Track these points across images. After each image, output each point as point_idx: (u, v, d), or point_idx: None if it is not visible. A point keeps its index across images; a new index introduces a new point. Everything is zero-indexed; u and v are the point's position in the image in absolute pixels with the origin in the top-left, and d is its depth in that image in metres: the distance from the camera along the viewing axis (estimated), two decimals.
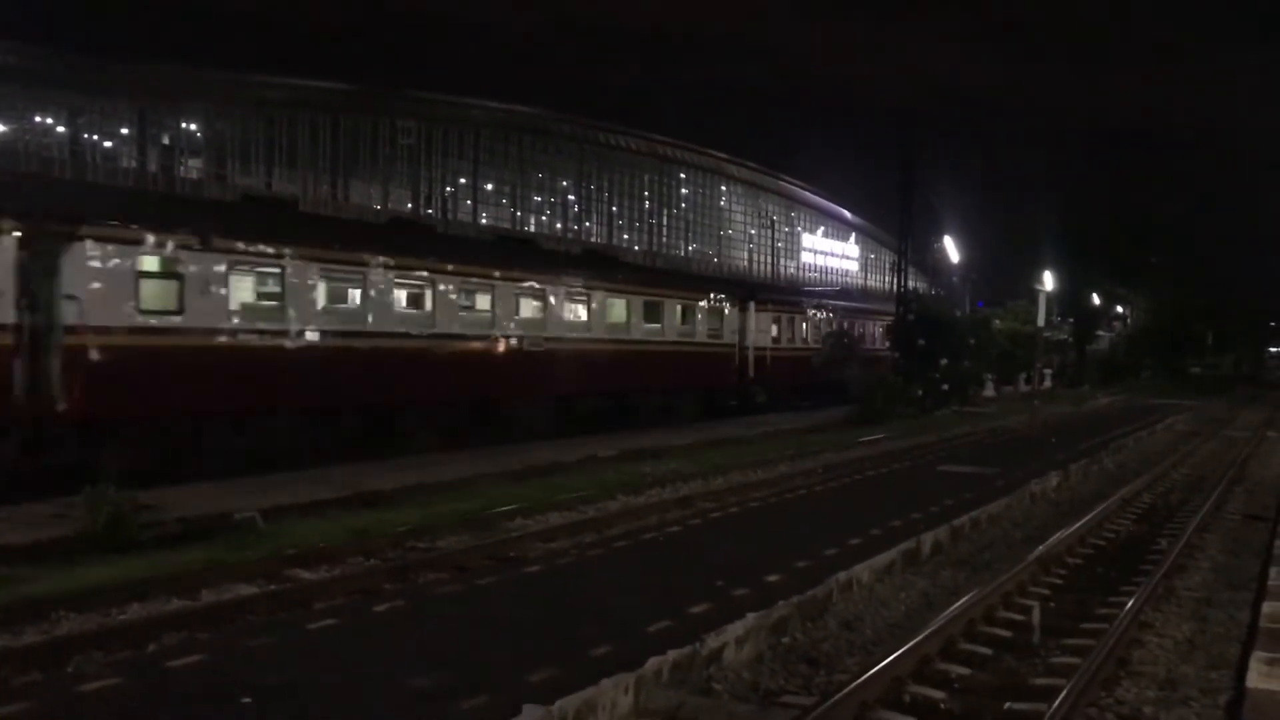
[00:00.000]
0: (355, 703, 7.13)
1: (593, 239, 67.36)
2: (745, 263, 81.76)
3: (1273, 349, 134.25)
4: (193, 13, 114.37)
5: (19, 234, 14.21)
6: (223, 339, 16.93)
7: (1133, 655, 8.79)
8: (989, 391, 46.09)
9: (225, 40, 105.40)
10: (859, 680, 7.34)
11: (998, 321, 51.95)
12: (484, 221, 62.41)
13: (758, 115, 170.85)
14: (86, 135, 48.84)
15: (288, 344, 18.02)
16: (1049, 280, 39.48)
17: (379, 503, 15.07)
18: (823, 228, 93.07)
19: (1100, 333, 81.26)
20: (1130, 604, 9.83)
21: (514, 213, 65.70)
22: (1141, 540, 14.07)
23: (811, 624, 9.27)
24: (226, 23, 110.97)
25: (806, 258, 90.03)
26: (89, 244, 15.03)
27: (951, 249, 46.44)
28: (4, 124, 45.83)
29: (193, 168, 51.89)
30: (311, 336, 18.43)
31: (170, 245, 16.22)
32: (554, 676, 7.46)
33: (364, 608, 9.57)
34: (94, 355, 15.03)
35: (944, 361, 38.94)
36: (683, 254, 74.72)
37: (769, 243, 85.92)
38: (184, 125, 52.41)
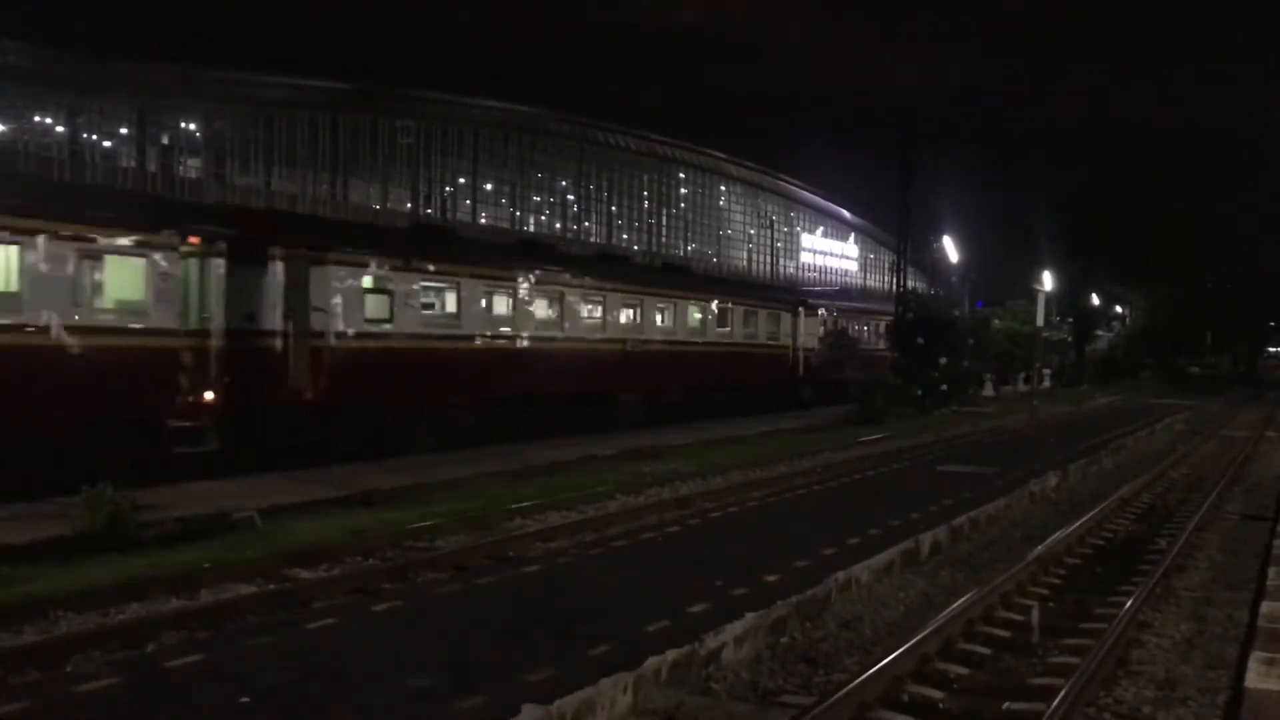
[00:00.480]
0: (354, 702, 7.13)
1: (592, 239, 67.36)
2: (744, 263, 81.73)
3: (1271, 349, 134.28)
4: (192, 12, 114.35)
5: (283, 260, 17.95)
6: (419, 342, 20.55)
7: (1131, 655, 8.79)
8: (988, 391, 46.11)
9: (224, 40, 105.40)
10: (858, 680, 7.33)
11: (997, 321, 51.97)
12: (483, 221, 62.39)
13: (757, 115, 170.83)
14: (85, 135, 48.81)
15: (462, 346, 21.79)
16: (1048, 280, 39.51)
17: (377, 502, 15.07)
18: (822, 227, 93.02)
19: (1099, 332, 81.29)
20: (1129, 604, 9.83)
21: (513, 212, 65.68)
22: (1140, 540, 14.08)
23: (810, 624, 9.27)
24: (225, 22, 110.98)
25: (806, 258, 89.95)
26: (331, 267, 18.70)
27: (951, 249, 46.46)
28: (3, 123, 45.83)
29: (191, 167, 51.88)
30: (479, 340, 22.40)
31: (385, 267, 19.89)
32: (553, 676, 7.46)
33: (363, 607, 9.57)
34: (333, 355, 18.68)
35: (943, 361, 38.97)
36: (682, 254, 74.66)
37: (768, 243, 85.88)
38: (183, 125, 52.38)
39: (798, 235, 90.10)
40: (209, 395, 16.23)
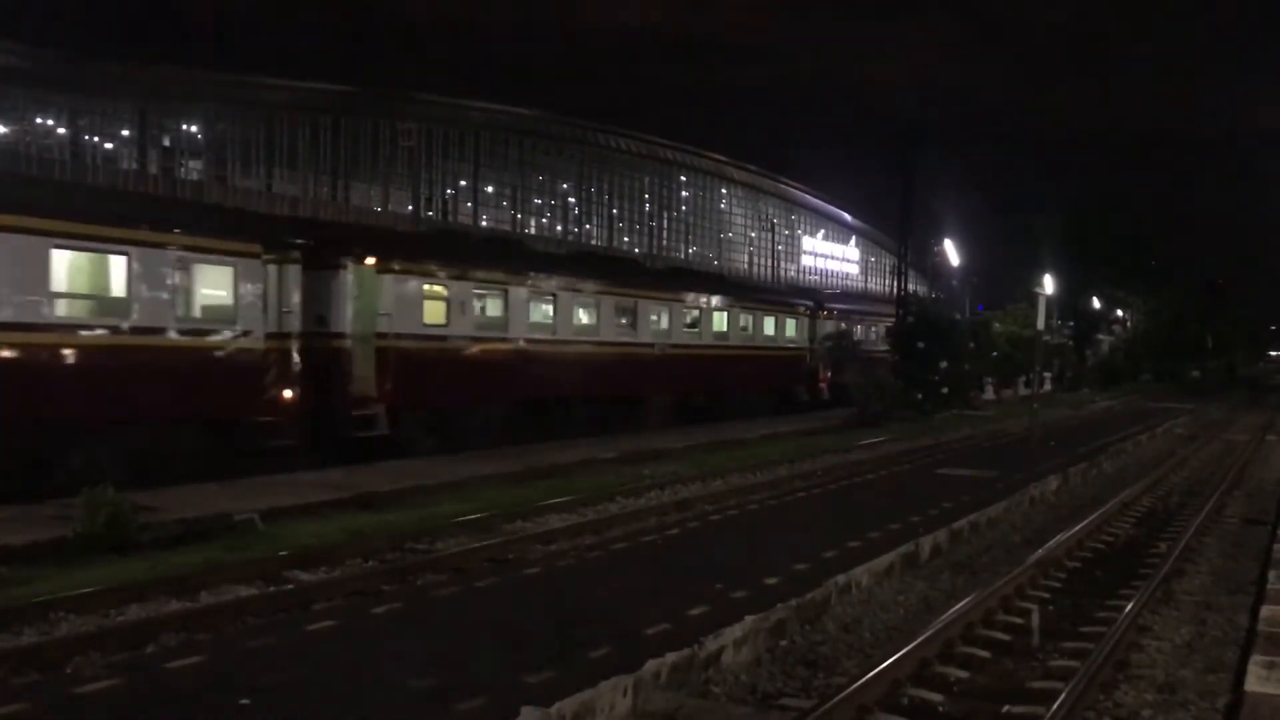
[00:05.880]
0: (354, 704, 7.13)
1: (592, 241, 67.37)
2: (745, 266, 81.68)
3: (1273, 353, 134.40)
4: (194, 14, 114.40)
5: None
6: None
7: (1131, 659, 8.79)
8: (988, 395, 46.07)
9: (226, 42, 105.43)
10: (857, 683, 7.34)
11: (997, 325, 51.91)
12: (484, 224, 62.40)
13: (758, 118, 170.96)
14: (87, 137, 48.83)
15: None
16: (1049, 283, 39.43)
17: (377, 505, 15.07)
18: (823, 230, 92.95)
19: (1100, 336, 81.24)
20: (1129, 607, 9.83)
21: (514, 215, 65.69)
22: (1140, 544, 14.08)
23: (810, 627, 9.27)
24: (227, 24, 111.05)
25: (807, 260, 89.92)
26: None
27: (952, 252, 46.43)
28: (5, 125, 45.85)
29: (193, 169, 51.91)
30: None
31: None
32: (552, 678, 7.46)
33: (363, 609, 9.57)
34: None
35: (944, 364, 38.94)
36: (683, 257, 74.64)
37: (769, 246, 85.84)
38: (184, 127, 52.40)
39: (799, 238, 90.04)
40: None
